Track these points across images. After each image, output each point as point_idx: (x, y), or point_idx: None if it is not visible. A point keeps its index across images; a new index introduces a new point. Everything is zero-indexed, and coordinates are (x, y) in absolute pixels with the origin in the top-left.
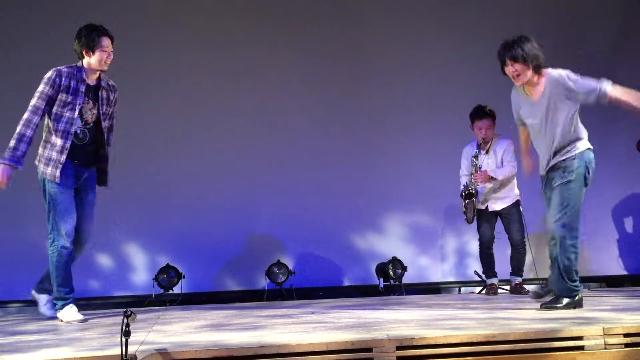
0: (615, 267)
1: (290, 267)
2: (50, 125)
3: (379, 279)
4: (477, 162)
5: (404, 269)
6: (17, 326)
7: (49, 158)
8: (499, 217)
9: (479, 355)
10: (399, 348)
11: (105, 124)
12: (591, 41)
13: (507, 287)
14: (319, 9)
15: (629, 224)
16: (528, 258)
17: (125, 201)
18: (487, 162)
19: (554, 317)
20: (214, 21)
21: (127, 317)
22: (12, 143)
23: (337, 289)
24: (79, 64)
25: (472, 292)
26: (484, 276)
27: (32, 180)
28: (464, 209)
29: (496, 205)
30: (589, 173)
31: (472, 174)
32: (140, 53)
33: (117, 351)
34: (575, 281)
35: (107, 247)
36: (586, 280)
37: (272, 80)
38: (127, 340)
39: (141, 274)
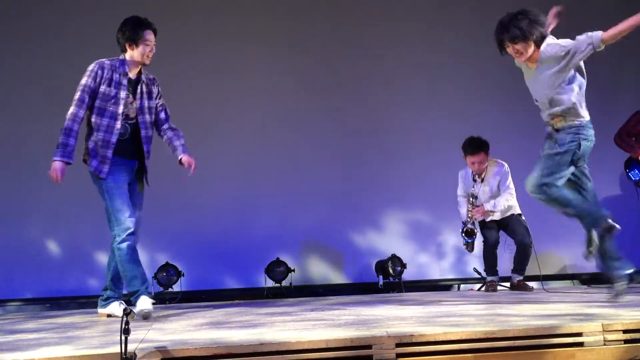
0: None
1: (290, 264)
2: (93, 119)
3: (378, 277)
4: (473, 200)
5: (404, 266)
6: (17, 325)
7: (96, 153)
8: (501, 228)
9: (478, 352)
10: (398, 345)
11: (145, 117)
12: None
13: (507, 284)
14: (320, 9)
15: (622, 222)
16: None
17: None
18: (484, 189)
19: (553, 313)
20: (214, 21)
21: (127, 315)
22: (61, 139)
23: (336, 287)
24: (122, 57)
25: (472, 289)
26: (483, 273)
27: (31, 179)
28: (465, 245)
29: (499, 218)
30: (579, 149)
31: (469, 210)
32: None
33: (116, 349)
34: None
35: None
36: (580, 276)
37: (271, 79)
38: (126, 338)
39: None
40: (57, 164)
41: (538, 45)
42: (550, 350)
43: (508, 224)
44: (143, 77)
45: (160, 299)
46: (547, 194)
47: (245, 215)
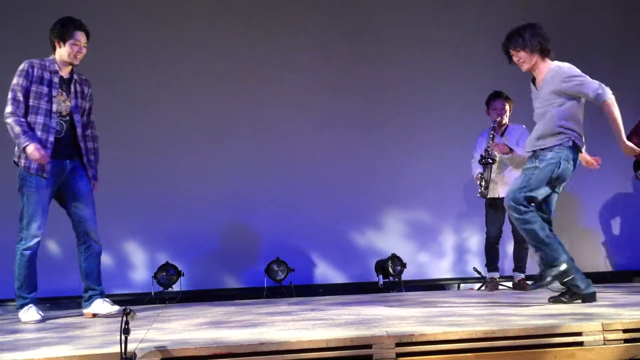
0: (602, 264)
1: (290, 264)
2: (29, 119)
3: (378, 276)
4: (494, 134)
5: (404, 265)
6: (17, 324)
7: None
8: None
9: (478, 352)
10: (398, 344)
11: (77, 117)
12: (595, 41)
13: (509, 284)
14: (323, 8)
15: (615, 223)
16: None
17: (124, 199)
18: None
19: (553, 313)
20: (217, 21)
21: (127, 315)
22: (17, 130)
23: (336, 286)
24: (51, 56)
25: (472, 289)
26: (483, 272)
27: None
28: (480, 179)
29: (504, 193)
30: (558, 168)
31: (488, 145)
32: (141, 52)
33: (116, 349)
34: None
35: (106, 245)
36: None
37: (271, 78)
38: (126, 338)
39: (140, 272)
40: (31, 146)
41: (543, 57)
42: (550, 349)
43: None
44: (75, 77)
45: (160, 299)
46: (519, 212)
47: (245, 215)
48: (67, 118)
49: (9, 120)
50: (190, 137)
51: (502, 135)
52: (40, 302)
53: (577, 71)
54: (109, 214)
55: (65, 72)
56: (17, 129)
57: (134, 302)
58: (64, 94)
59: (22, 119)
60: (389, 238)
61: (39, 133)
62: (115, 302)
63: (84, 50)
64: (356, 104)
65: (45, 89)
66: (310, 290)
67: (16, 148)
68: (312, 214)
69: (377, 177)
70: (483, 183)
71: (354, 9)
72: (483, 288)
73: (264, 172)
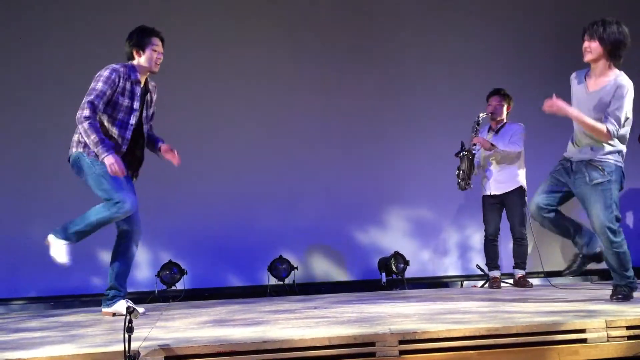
0: None
1: (293, 262)
2: (105, 127)
3: (381, 274)
4: (477, 127)
5: (406, 263)
6: (20, 323)
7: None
8: (504, 207)
9: (481, 349)
10: (401, 342)
11: (146, 127)
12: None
13: (511, 281)
14: (320, 8)
15: (629, 218)
16: (535, 253)
17: None
18: (496, 140)
19: (556, 310)
20: (220, 21)
21: (130, 313)
22: (93, 137)
23: (339, 284)
24: (130, 63)
25: (475, 286)
26: (486, 269)
27: (35, 178)
28: (457, 170)
29: (497, 190)
30: (622, 173)
31: (471, 137)
32: None
33: (120, 347)
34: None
35: (110, 244)
36: (585, 273)
37: (272, 79)
38: (130, 336)
39: (144, 271)
40: (111, 157)
41: (610, 58)
42: (554, 346)
43: (509, 202)
44: (150, 86)
45: (163, 297)
46: (615, 234)
47: (248, 213)
48: (136, 128)
49: (85, 124)
50: (193, 135)
51: (497, 132)
52: (44, 301)
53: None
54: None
55: (142, 81)
56: (94, 137)
57: (138, 301)
58: (141, 104)
59: (99, 126)
60: (392, 236)
61: (111, 138)
62: None
63: (162, 57)
64: (359, 104)
65: (126, 101)
66: (313, 288)
67: (75, 136)
68: (315, 212)
69: (380, 175)
70: (460, 174)
71: (358, 10)
72: (486, 285)
73: (267, 171)
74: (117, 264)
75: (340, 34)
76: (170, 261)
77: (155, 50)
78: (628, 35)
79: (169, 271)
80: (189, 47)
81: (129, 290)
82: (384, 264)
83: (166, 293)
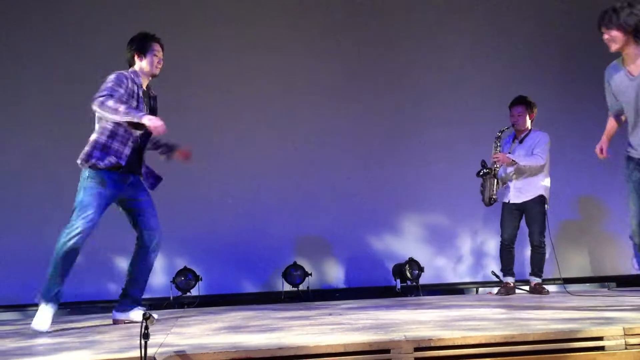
0: (628, 267)
1: (307, 268)
2: (111, 127)
3: (395, 280)
4: (499, 144)
5: (421, 269)
6: None
7: (105, 155)
8: (523, 214)
9: (497, 356)
10: (417, 349)
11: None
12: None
13: (526, 288)
14: (333, 9)
15: None
16: (552, 260)
17: None
18: (519, 152)
19: (573, 317)
20: (229, 23)
21: (146, 319)
22: (123, 108)
23: (353, 290)
24: (131, 69)
25: (490, 293)
26: (501, 275)
27: (49, 185)
28: (481, 187)
29: (518, 199)
30: None
31: (493, 155)
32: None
33: (136, 354)
34: None
35: (125, 250)
36: (603, 279)
37: (286, 82)
38: (146, 342)
39: (159, 277)
40: (148, 117)
41: (637, 41)
42: (571, 354)
43: (528, 211)
44: (152, 92)
45: (178, 303)
46: None
47: (262, 220)
48: (140, 132)
49: (110, 101)
50: (208, 141)
51: (521, 141)
52: (60, 307)
53: None
54: (127, 220)
55: (144, 86)
56: (123, 107)
57: (153, 307)
58: (146, 108)
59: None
60: (406, 242)
61: (116, 145)
62: None
63: (162, 62)
64: (372, 108)
65: (134, 103)
66: (327, 294)
67: (87, 148)
68: (329, 218)
69: (394, 181)
70: (486, 192)
71: (369, 12)
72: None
73: (280, 176)
74: (135, 272)
75: (357, 36)
76: (185, 267)
77: (156, 55)
78: (638, 6)
79: (184, 277)
80: (198, 48)
81: (145, 296)
82: (399, 270)
83: (181, 299)
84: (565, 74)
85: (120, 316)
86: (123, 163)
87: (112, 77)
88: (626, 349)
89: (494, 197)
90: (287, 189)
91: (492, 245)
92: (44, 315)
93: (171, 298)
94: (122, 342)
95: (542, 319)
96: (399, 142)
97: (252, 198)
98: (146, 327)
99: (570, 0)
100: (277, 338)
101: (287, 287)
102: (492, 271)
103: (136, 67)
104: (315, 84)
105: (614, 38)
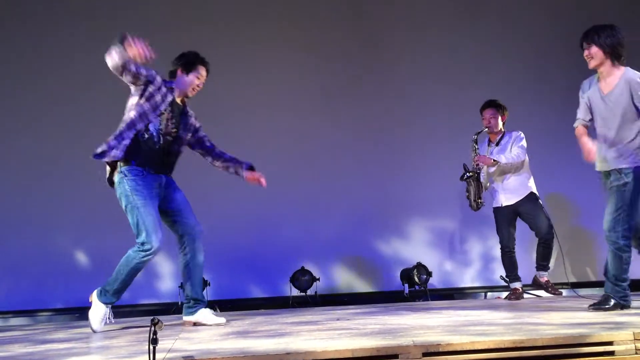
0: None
1: (315, 273)
2: (134, 118)
3: (403, 285)
4: (476, 146)
5: (429, 274)
6: (47, 334)
7: (139, 156)
8: (518, 217)
9: None
10: (425, 354)
11: (175, 147)
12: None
13: (536, 292)
14: (340, 14)
15: None
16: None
17: None
18: (497, 153)
19: (583, 322)
20: (230, 26)
21: (155, 324)
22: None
23: (362, 295)
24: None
25: (499, 297)
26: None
27: (60, 190)
28: (466, 192)
29: (509, 200)
30: None
31: (472, 158)
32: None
33: (144, 359)
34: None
35: None
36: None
37: (293, 87)
38: (154, 348)
39: (167, 282)
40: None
41: (613, 60)
42: (581, 359)
43: (524, 209)
44: (187, 109)
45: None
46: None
47: (270, 225)
48: (169, 139)
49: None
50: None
51: (497, 144)
52: (70, 312)
53: None
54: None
55: (177, 98)
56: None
57: (162, 312)
58: (171, 114)
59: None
60: (414, 247)
61: (140, 136)
62: (143, 312)
63: (201, 86)
64: (380, 113)
65: (158, 98)
66: (335, 299)
67: (110, 151)
68: (337, 223)
69: (402, 186)
70: (471, 196)
71: (372, 18)
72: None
73: (288, 181)
74: (189, 273)
75: (361, 40)
76: None
77: (198, 79)
78: (623, 35)
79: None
80: (204, 51)
81: (153, 301)
82: (407, 275)
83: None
84: (567, 79)
85: (189, 318)
86: (156, 146)
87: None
88: (636, 353)
89: (479, 200)
90: (295, 194)
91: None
92: (98, 312)
93: (180, 303)
94: (130, 347)
95: (551, 324)
96: (407, 147)
97: (260, 203)
98: (155, 333)
99: (569, 4)
100: (285, 343)
101: (295, 292)
102: (501, 276)
103: (176, 79)
104: (322, 91)
105: (593, 55)
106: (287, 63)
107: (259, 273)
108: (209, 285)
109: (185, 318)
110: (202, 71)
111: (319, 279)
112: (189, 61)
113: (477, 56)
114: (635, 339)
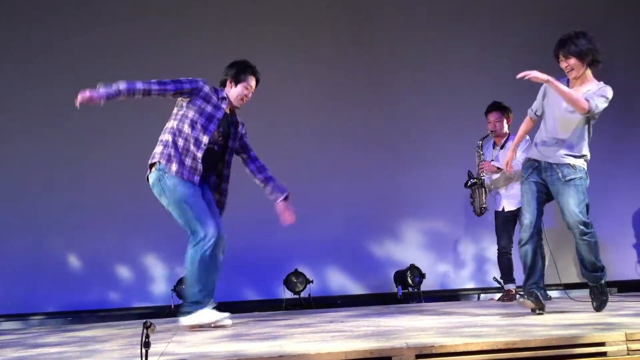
0: (632, 272)
1: (308, 276)
2: (184, 129)
3: (397, 287)
4: (481, 152)
5: (423, 276)
6: (39, 338)
7: (182, 163)
8: (518, 220)
9: None
10: (418, 356)
11: (227, 156)
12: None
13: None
14: (336, 14)
15: None
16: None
17: (143, 212)
18: (502, 156)
19: (575, 323)
20: (233, 30)
21: (147, 328)
22: (118, 84)
23: (355, 298)
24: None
25: (492, 299)
26: (502, 282)
27: (53, 194)
28: (470, 199)
29: (511, 206)
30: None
31: (477, 165)
32: (159, 60)
33: None
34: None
35: (126, 259)
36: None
37: (286, 89)
38: (147, 351)
39: (160, 285)
40: (94, 91)
41: (592, 67)
42: None
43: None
44: (237, 118)
45: (180, 312)
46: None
47: (263, 227)
48: (216, 147)
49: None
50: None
51: (502, 147)
52: (62, 316)
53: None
54: (128, 228)
55: (227, 109)
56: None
57: (154, 315)
58: (221, 127)
59: (140, 86)
60: (408, 248)
61: (192, 148)
62: (135, 316)
63: (250, 96)
64: (374, 114)
65: (209, 108)
66: (329, 301)
67: (158, 148)
68: (330, 226)
69: (395, 188)
70: (476, 203)
71: (372, 21)
72: (500, 299)
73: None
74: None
75: (360, 46)
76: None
77: (247, 89)
78: (598, 43)
79: (185, 285)
80: (203, 54)
81: (146, 304)
82: (400, 277)
83: (182, 307)
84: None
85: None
86: (200, 153)
87: (192, 79)
88: (628, 354)
89: (484, 206)
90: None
91: (494, 251)
92: (204, 316)
93: (172, 306)
94: (123, 350)
95: (543, 325)
96: (400, 148)
97: (252, 205)
98: (147, 336)
99: (570, 5)
100: (278, 346)
101: (289, 295)
102: (494, 277)
103: (226, 89)
104: (316, 92)
105: (572, 66)
106: (281, 65)
107: (252, 275)
108: None
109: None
110: (252, 82)
111: (312, 282)
112: (239, 72)
113: (471, 60)
114: (627, 340)
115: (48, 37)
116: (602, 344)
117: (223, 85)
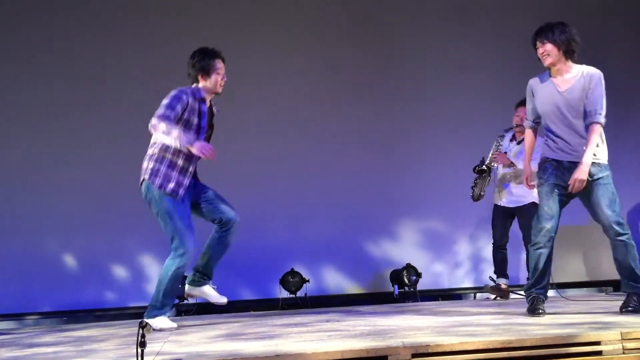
0: None
1: (305, 275)
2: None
3: (393, 286)
4: (500, 143)
5: (419, 275)
6: (34, 338)
7: (169, 176)
8: (515, 218)
9: None
10: (414, 355)
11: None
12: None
13: (522, 292)
14: (330, 12)
15: None
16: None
17: (139, 211)
18: (516, 152)
19: (570, 322)
20: (234, 27)
21: (143, 327)
22: (175, 132)
23: (351, 297)
24: (194, 85)
25: (488, 298)
26: (494, 277)
27: (48, 193)
28: (473, 183)
29: (512, 203)
30: None
31: (492, 153)
32: (159, 57)
33: None
34: None
35: (122, 258)
36: (600, 284)
37: (282, 88)
38: (142, 351)
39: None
40: (199, 143)
41: (567, 58)
42: (569, 359)
43: (521, 217)
44: (214, 109)
45: (176, 311)
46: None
47: (259, 226)
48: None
49: (163, 124)
50: None
51: (519, 142)
52: (57, 316)
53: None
54: (124, 227)
55: (207, 102)
56: (176, 132)
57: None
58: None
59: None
60: (404, 248)
61: (180, 162)
62: (131, 315)
63: (225, 78)
64: (369, 114)
65: (196, 119)
66: (325, 301)
67: (144, 163)
68: (327, 225)
69: (392, 187)
70: (475, 189)
71: (369, 19)
72: (499, 298)
73: (277, 183)
74: (213, 249)
75: (354, 45)
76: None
77: (219, 74)
78: (575, 32)
79: (181, 285)
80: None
81: (142, 304)
82: (397, 276)
83: (178, 307)
84: None
85: (194, 291)
86: (192, 168)
87: (172, 93)
88: (624, 353)
89: (482, 193)
90: (284, 195)
91: (490, 250)
92: (162, 322)
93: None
94: (118, 350)
95: (539, 324)
96: (397, 148)
97: (248, 205)
98: (143, 336)
99: (570, 5)
100: (274, 345)
101: (285, 294)
102: (490, 276)
103: (200, 84)
104: (313, 92)
105: (549, 52)
106: (281, 65)
107: (248, 275)
108: None
109: (190, 290)
110: (220, 64)
111: (308, 281)
112: (204, 63)
113: (471, 60)
114: (622, 339)
115: (48, 37)
116: (597, 343)
117: (195, 81)
